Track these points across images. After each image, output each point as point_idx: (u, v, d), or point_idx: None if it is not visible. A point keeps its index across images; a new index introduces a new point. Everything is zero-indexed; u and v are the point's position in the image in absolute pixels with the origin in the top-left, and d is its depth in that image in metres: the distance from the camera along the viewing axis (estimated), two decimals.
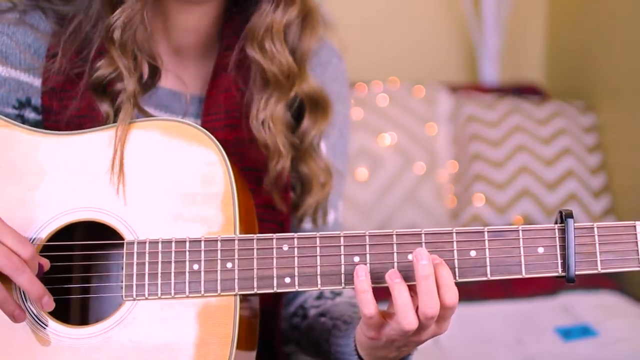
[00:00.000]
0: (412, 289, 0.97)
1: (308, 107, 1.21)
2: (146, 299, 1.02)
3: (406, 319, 0.96)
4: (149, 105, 1.17)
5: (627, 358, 1.99)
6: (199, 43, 1.21)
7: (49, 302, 1.00)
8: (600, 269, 1.00)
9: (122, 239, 1.03)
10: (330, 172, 1.23)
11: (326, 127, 1.23)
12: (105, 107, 1.11)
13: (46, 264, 1.01)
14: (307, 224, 1.29)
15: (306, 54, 1.20)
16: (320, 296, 1.28)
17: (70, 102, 1.14)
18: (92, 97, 1.12)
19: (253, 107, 1.18)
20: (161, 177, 1.05)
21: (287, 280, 1.01)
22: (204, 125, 1.16)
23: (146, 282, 1.02)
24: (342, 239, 1.01)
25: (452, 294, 0.96)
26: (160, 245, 1.02)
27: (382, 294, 0.99)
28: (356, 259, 1.00)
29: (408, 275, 0.98)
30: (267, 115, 1.17)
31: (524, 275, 1.00)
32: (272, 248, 1.01)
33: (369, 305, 0.97)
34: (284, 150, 1.17)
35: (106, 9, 1.10)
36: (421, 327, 0.97)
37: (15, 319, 1.00)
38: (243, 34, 1.17)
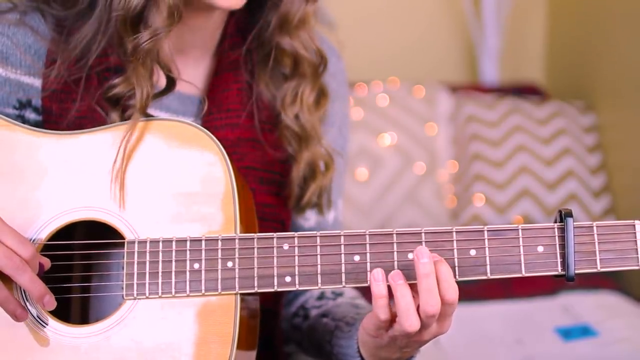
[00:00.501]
0: (413, 288, 0.97)
1: None
2: (147, 298, 1.02)
3: (408, 320, 0.96)
4: (150, 105, 1.17)
5: (627, 358, 1.99)
6: (202, 43, 1.21)
7: (51, 301, 1.00)
8: (599, 268, 1.00)
9: (123, 238, 1.04)
10: (331, 157, 1.24)
11: (325, 112, 1.24)
12: (114, 117, 1.11)
13: (47, 263, 1.01)
14: (308, 222, 1.29)
15: None
16: (321, 296, 1.28)
17: (70, 104, 1.14)
18: (96, 105, 1.12)
19: (286, 98, 1.20)
20: (162, 177, 1.05)
21: (288, 279, 1.01)
22: (205, 124, 1.16)
23: (147, 281, 1.02)
24: (342, 238, 1.01)
25: (452, 290, 0.96)
26: (160, 244, 1.03)
27: None
28: (356, 258, 1.01)
29: (409, 274, 0.98)
30: (303, 104, 1.20)
31: (524, 274, 1.00)
32: (273, 247, 1.02)
33: (384, 310, 0.97)
34: (320, 133, 1.21)
35: (126, 27, 1.08)
36: (423, 326, 0.97)
37: (17, 317, 1.00)
38: (272, 26, 1.19)
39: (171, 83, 1.14)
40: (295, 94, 1.20)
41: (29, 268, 0.98)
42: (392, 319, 0.99)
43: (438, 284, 0.96)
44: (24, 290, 1.03)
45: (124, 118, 1.10)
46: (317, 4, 1.19)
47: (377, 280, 0.97)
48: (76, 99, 1.13)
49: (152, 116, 1.13)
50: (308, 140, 1.20)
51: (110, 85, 1.11)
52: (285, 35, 1.19)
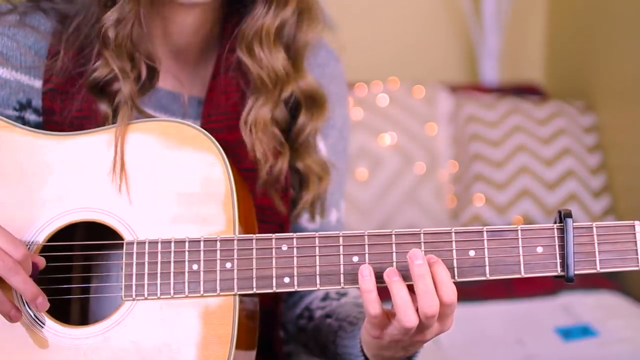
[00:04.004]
0: (412, 289, 0.97)
1: (304, 104, 1.21)
2: (145, 299, 1.02)
3: (406, 316, 0.96)
4: (148, 106, 1.17)
5: (627, 358, 1.99)
6: (198, 45, 1.21)
7: (44, 303, 1.00)
8: (599, 269, 1.00)
9: (122, 239, 1.04)
10: (326, 167, 1.23)
11: (322, 123, 1.22)
12: (104, 107, 1.11)
13: (41, 262, 1.01)
14: (309, 224, 1.29)
15: (302, 49, 1.19)
16: (325, 297, 1.28)
17: (71, 103, 1.14)
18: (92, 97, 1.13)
19: (245, 108, 1.18)
20: (161, 178, 1.05)
21: (287, 280, 1.01)
22: (204, 126, 1.16)
23: (145, 282, 1.02)
24: (341, 238, 1.01)
25: (449, 292, 0.96)
26: (159, 245, 1.03)
27: (384, 294, 0.99)
28: (355, 258, 1.01)
29: (407, 274, 0.98)
30: (253, 119, 1.16)
31: (523, 274, 1.00)
32: (272, 248, 1.02)
33: (374, 305, 0.97)
34: (260, 156, 1.16)
35: (102, 9, 1.09)
36: (423, 326, 0.97)
37: (11, 319, 1.00)
38: (234, 36, 1.17)
39: (153, 73, 1.13)
40: (249, 106, 1.17)
41: (21, 269, 0.97)
42: (387, 317, 0.99)
43: (436, 286, 0.96)
44: None
45: (113, 107, 1.10)
46: (282, 16, 1.15)
47: (364, 276, 0.97)
48: (78, 97, 1.13)
49: (144, 112, 1.13)
50: (260, 159, 1.17)
51: (92, 69, 1.11)
52: (239, 47, 1.16)
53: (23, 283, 0.98)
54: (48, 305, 1.00)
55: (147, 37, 1.12)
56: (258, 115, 1.16)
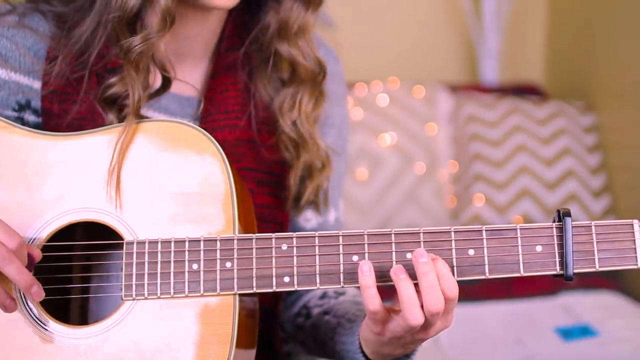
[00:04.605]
0: (416, 288, 0.97)
1: None
2: (145, 298, 1.02)
3: (412, 314, 0.96)
4: (148, 107, 1.18)
5: (627, 358, 1.99)
6: (199, 46, 1.21)
7: (38, 292, 0.99)
8: (598, 267, 1.00)
9: (122, 239, 1.04)
10: (327, 156, 1.24)
11: (322, 111, 1.24)
12: (111, 117, 1.11)
13: (37, 255, 1.01)
14: (310, 223, 1.29)
15: None
16: (323, 296, 1.28)
17: (70, 105, 1.14)
18: (96, 104, 1.12)
19: (284, 105, 1.20)
20: (160, 178, 1.05)
21: (286, 279, 1.01)
22: (203, 125, 1.16)
23: (145, 282, 1.02)
24: (340, 238, 1.01)
25: (451, 286, 0.96)
26: (159, 245, 1.03)
27: (384, 293, 0.99)
28: (355, 258, 1.01)
29: (409, 274, 0.98)
30: (302, 112, 1.20)
31: (522, 273, 1.00)
32: (271, 247, 1.02)
33: (373, 301, 0.97)
34: (320, 142, 1.21)
35: (123, 28, 1.09)
36: (428, 323, 0.98)
37: (6, 308, 1.00)
38: (250, 39, 1.19)
39: (167, 82, 1.14)
40: (293, 101, 1.20)
41: (15, 258, 0.97)
42: (388, 312, 0.99)
43: (438, 281, 0.96)
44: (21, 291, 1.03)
45: (121, 118, 1.10)
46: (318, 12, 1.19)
47: (364, 272, 0.98)
48: (77, 100, 1.14)
49: (149, 117, 1.13)
50: (305, 147, 1.20)
51: (107, 85, 1.11)
52: (283, 42, 1.18)
53: (17, 272, 0.97)
54: (43, 294, 1.00)
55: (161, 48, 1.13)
56: (307, 107, 1.20)
